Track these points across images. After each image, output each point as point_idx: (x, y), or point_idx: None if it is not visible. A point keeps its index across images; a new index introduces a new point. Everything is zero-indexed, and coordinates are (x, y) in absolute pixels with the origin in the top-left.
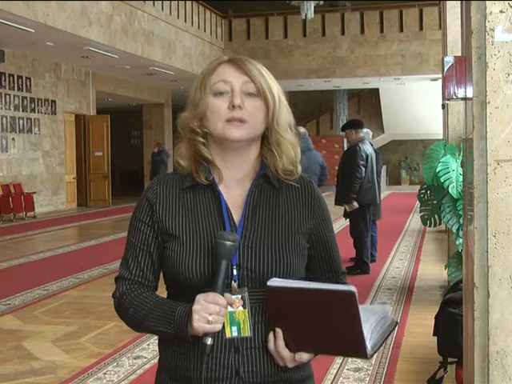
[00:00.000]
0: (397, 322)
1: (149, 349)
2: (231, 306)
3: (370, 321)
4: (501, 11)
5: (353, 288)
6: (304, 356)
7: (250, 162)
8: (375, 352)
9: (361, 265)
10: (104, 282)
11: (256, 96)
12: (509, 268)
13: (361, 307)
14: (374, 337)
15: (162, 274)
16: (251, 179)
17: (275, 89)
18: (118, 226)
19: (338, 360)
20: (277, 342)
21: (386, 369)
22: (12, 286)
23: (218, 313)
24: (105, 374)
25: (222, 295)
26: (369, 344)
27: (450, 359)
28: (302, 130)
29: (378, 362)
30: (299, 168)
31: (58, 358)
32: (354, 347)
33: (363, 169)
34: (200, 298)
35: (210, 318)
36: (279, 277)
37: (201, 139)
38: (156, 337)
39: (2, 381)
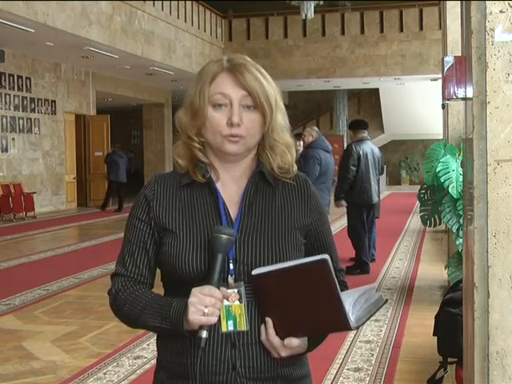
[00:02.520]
0: (386, 299)
1: (149, 349)
2: (227, 299)
3: (352, 296)
4: (501, 11)
5: (325, 256)
6: (293, 341)
7: (246, 163)
8: (360, 325)
9: (360, 264)
10: (104, 282)
11: (254, 108)
12: (509, 268)
13: (345, 291)
14: (358, 310)
15: (158, 273)
16: (248, 177)
17: (272, 96)
18: (118, 226)
19: (338, 360)
20: (267, 331)
21: (386, 369)
22: (12, 286)
23: (213, 305)
24: (105, 374)
25: (218, 288)
26: (352, 316)
27: (450, 359)
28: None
29: (378, 362)
30: (295, 167)
31: (58, 358)
32: (337, 321)
33: (353, 169)
34: (196, 290)
35: (206, 311)
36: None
37: (197, 145)
38: (155, 336)
39: (2, 381)
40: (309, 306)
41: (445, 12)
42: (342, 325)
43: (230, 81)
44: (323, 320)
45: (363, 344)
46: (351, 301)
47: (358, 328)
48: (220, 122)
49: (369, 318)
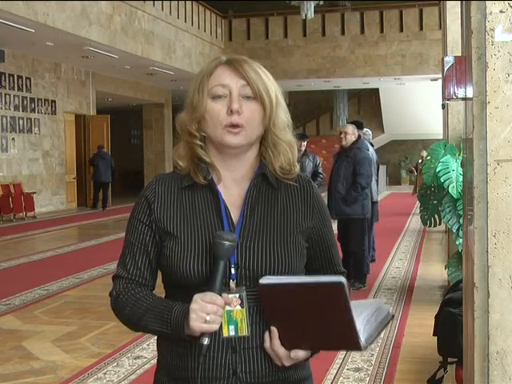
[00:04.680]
0: (393, 315)
1: (149, 349)
2: (229, 305)
3: (364, 314)
4: (501, 11)
5: (342, 278)
6: (299, 353)
7: (248, 163)
8: (370, 344)
9: None
10: (104, 282)
11: (253, 99)
12: (509, 268)
13: (354, 302)
14: (368, 329)
15: (159, 275)
16: (250, 179)
17: (273, 90)
18: (118, 226)
19: (338, 360)
20: (272, 341)
21: (386, 369)
22: (12, 286)
23: (215, 312)
24: (105, 374)
25: (220, 295)
26: (362, 336)
27: (450, 359)
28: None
29: (378, 362)
30: (297, 168)
31: (58, 358)
32: (348, 340)
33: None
34: (197, 297)
35: (208, 318)
36: (277, 276)
37: (199, 142)
38: (156, 337)
39: (2, 381)
40: (318, 323)
41: (445, 12)
42: (352, 344)
43: (229, 72)
44: (332, 337)
45: None
46: (362, 319)
47: (367, 348)
48: (220, 112)
49: (377, 336)
